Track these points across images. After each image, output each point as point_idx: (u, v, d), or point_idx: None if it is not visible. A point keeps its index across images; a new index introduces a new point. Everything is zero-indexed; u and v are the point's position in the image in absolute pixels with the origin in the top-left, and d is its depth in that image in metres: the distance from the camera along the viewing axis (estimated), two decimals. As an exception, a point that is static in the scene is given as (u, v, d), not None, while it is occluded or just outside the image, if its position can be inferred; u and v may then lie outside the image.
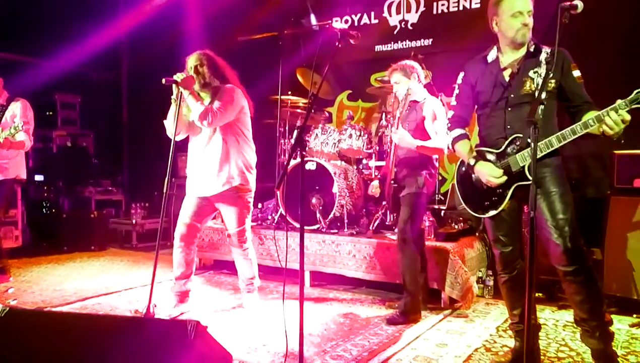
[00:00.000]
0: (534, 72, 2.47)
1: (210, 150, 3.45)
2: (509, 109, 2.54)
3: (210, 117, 3.29)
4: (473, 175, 2.65)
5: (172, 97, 3.30)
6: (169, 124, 3.40)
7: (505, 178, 2.50)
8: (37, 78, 6.66)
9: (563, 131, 2.36)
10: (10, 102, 4.34)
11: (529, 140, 2.39)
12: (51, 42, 6.76)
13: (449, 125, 2.77)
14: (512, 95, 2.54)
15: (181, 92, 3.24)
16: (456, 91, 2.78)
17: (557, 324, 3.38)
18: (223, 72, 3.50)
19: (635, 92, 2.19)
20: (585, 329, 2.51)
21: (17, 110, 4.31)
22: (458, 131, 2.72)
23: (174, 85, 3.24)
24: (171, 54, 3.52)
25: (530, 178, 2.40)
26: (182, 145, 3.67)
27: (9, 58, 6.47)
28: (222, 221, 3.64)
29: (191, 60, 3.44)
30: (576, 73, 2.47)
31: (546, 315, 3.57)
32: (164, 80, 3.20)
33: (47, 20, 6.60)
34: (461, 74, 2.76)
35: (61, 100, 6.96)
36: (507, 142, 2.53)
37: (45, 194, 6.29)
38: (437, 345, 3.02)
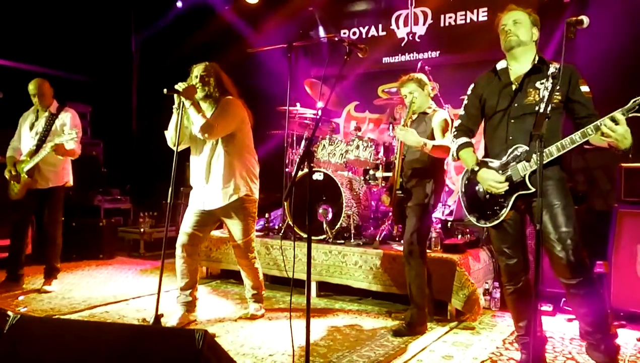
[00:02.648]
0: (541, 83, 2.52)
1: (214, 162, 3.46)
2: (512, 120, 2.58)
3: (211, 129, 3.30)
4: (476, 185, 2.67)
5: (173, 106, 3.31)
6: (170, 134, 3.42)
7: (506, 186, 2.52)
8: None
9: (562, 140, 2.38)
10: (60, 111, 4.49)
11: (532, 152, 2.42)
12: (63, 52, 6.88)
13: (455, 133, 2.80)
14: (515, 105, 2.57)
15: (182, 102, 3.24)
16: (465, 101, 2.83)
17: (563, 337, 3.37)
18: (226, 86, 3.52)
19: (632, 100, 2.22)
20: (591, 342, 2.52)
21: (67, 119, 4.44)
22: (463, 139, 2.75)
23: (175, 95, 3.25)
24: (180, 65, 3.56)
25: (531, 187, 2.45)
26: (189, 154, 3.69)
27: (21, 68, 6.58)
28: (228, 232, 3.66)
29: (197, 69, 3.46)
30: (584, 88, 2.50)
31: (552, 327, 3.55)
32: (165, 90, 3.20)
33: (59, 30, 6.71)
34: (471, 85, 2.81)
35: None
36: (509, 153, 2.56)
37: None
38: (443, 357, 3.02)
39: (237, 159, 3.49)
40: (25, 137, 4.49)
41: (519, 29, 2.58)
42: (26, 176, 4.32)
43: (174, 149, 3.25)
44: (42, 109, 4.49)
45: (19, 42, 6.49)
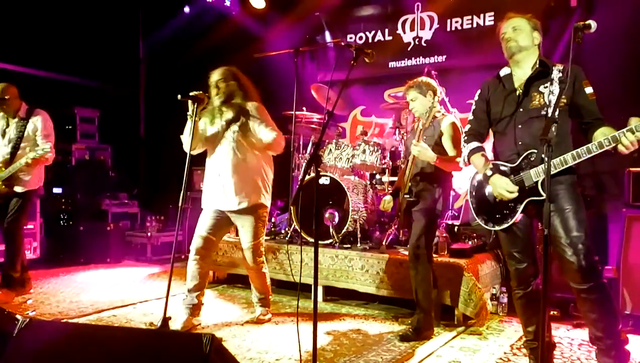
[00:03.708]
0: (544, 87, 2.52)
1: (232, 166, 3.49)
2: (519, 126, 2.58)
3: (281, 139, 3.50)
4: (486, 188, 2.67)
5: (187, 113, 3.36)
6: (186, 138, 3.47)
7: (517, 194, 2.52)
8: (58, 92, 6.82)
9: (578, 149, 2.37)
10: (30, 114, 4.38)
11: (542, 156, 2.41)
12: (72, 57, 6.93)
13: (466, 138, 2.81)
14: (521, 110, 2.58)
15: (196, 108, 3.28)
16: (473, 106, 2.84)
17: (572, 343, 3.34)
18: (247, 89, 3.57)
19: None
20: (601, 348, 2.50)
21: (38, 123, 4.35)
22: (474, 144, 2.76)
23: (189, 101, 3.29)
24: (188, 71, 3.60)
25: (543, 193, 2.44)
26: (197, 160, 3.72)
27: (31, 73, 6.64)
28: (237, 235, 3.68)
29: (215, 75, 3.52)
30: (588, 90, 2.49)
31: (561, 333, 3.53)
32: (179, 96, 3.25)
33: (67, 35, 6.77)
34: (478, 91, 2.83)
35: (80, 114, 7.10)
36: (521, 158, 2.56)
37: (63, 206, 6.39)
38: (450, 362, 3.00)
39: (255, 166, 3.56)
40: None
41: (519, 35, 2.59)
42: (3, 186, 4.25)
43: (189, 152, 3.30)
44: (9, 115, 4.38)
45: (29, 48, 6.54)
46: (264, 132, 3.46)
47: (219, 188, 3.52)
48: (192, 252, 3.55)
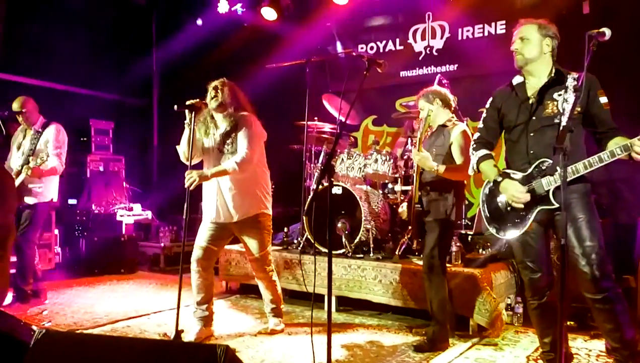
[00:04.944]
0: (558, 95, 2.50)
1: (231, 180, 3.47)
2: (531, 134, 2.57)
3: (249, 162, 3.37)
4: (497, 196, 2.65)
5: (185, 121, 3.37)
6: (183, 148, 3.48)
7: (529, 197, 2.49)
8: (73, 105, 6.92)
9: (590, 158, 2.36)
10: (45, 127, 4.45)
11: (557, 166, 2.39)
12: (86, 70, 7.05)
13: (475, 146, 2.80)
14: (534, 118, 2.56)
15: (193, 117, 3.29)
16: (484, 115, 2.82)
17: (589, 354, 3.29)
18: (241, 102, 3.55)
19: None
20: (618, 359, 2.47)
21: (51, 135, 4.41)
22: (483, 151, 2.74)
23: (186, 111, 3.30)
24: (200, 82, 3.63)
25: (554, 202, 2.42)
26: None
27: (47, 86, 6.75)
28: (245, 247, 3.68)
29: (213, 83, 3.52)
30: (603, 99, 2.47)
31: (578, 344, 3.47)
32: (175, 107, 3.26)
33: (82, 49, 6.87)
34: (490, 99, 2.81)
35: (95, 126, 7.19)
36: (533, 166, 2.54)
37: (78, 217, 6.45)
38: (465, 373, 2.97)
39: (253, 175, 3.53)
40: (14, 156, 4.49)
41: (525, 46, 2.57)
42: None
43: (187, 163, 3.31)
44: (27, 127, 4.47)
45: (45, 61, 6.65)
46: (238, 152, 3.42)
47: (219, 202, 3.50)
48: (193, 263, 3.54)
